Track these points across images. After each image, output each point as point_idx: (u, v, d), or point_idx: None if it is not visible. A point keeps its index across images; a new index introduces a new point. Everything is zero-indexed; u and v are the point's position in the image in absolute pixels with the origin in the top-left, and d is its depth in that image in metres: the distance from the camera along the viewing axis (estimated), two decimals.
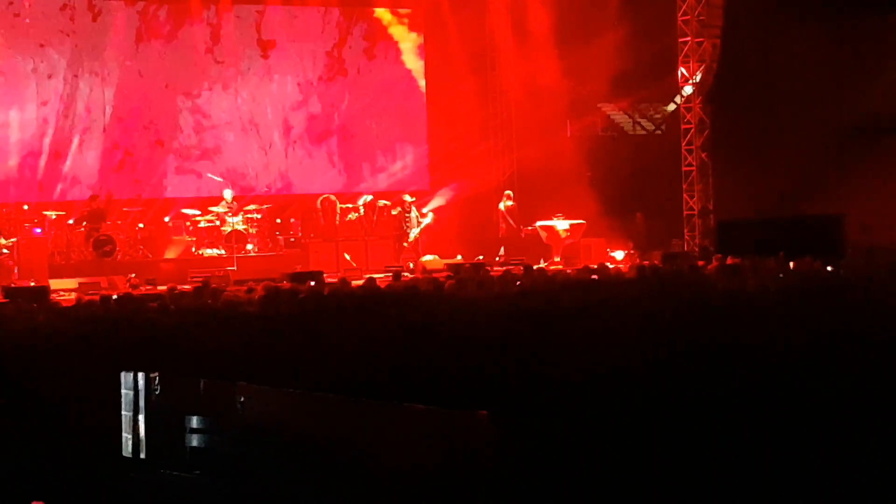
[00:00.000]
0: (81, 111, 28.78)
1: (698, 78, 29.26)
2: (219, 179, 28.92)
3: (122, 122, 29.14)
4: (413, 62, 32.74)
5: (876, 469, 5.86)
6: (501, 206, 30.73)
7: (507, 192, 30.86)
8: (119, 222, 27.72)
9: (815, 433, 6.36)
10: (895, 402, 6.79)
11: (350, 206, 30.01)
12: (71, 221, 27.13)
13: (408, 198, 29.55)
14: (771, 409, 6.75)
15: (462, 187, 31.87)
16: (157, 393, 7.34)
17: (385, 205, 30.05)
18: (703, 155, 29.10)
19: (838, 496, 5.72)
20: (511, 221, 30.41)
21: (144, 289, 23.07)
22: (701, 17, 29.11)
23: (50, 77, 28.59)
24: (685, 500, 5.77)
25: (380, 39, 32.37)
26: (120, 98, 29.15)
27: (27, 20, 28.33)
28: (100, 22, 28.98)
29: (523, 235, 30.34)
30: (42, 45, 28.53)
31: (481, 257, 28.51)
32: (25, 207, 27.49)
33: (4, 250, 25.23)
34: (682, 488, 5.86)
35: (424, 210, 29.90)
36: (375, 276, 21.31)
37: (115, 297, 16.70)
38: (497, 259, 28.93)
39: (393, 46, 32.52)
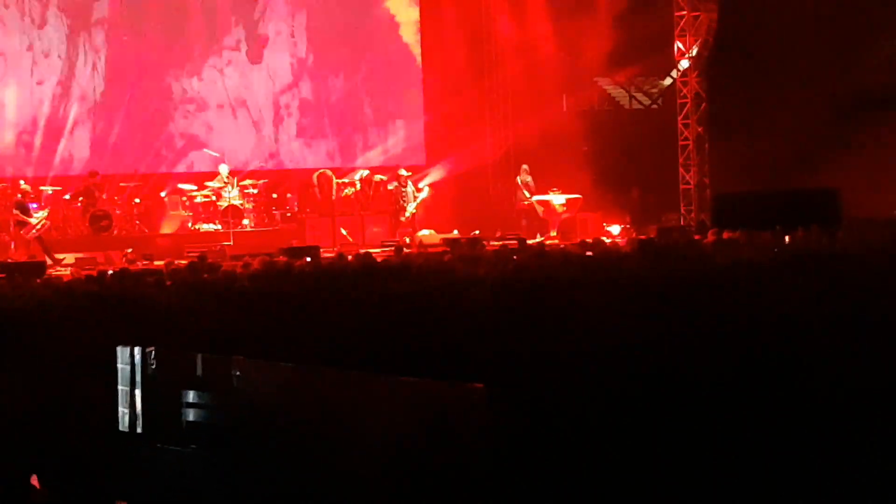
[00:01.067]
0: (76, 89, 28.73)
1: (694, 52, 29.24)
2: (215, 154, 28.87)
3: (116, 99, 29.05)
4: (410, 36, 32.67)
5: (874, 442, 5.88)
6: (519, 179, 30.39)
7: (524, 166, 30.39)
8: (116, 198, 27.72)
9: (812, 408, 6.37)
10: (892, 376, 6.79)
11: (346, 181, 30.00)
12: (67, 196, 27.10)
13: (404, 172, 29.50)
14: (767, 383, 6.76)
15: (458, 162, 31.82)
16: (153, 367, 7.34)
17: (381, 180, 30.03)
18: (700, 129, 29.12)
19: (836, 467, 5.73)
20: (528, 195, 30.07)
21: (141, 264, 23.07)
22: None
23: (46, 56, 28.52)
24: (682, 474, 5.78)
25: (376, 13, 32.30)
26: (114, 75, 29.07)
27: None
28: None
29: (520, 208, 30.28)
30: (38, 24, 28.45)
31: (477, 232, 28.49)
32: (22, 183, 27.46)
33: (46, 221, 25.30)
34: (678, 463, 5.87)
35: (420, 185, 29.85)
36: (372, 250, 21.31)
37: (111, 272, 16.70)
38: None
39: (390, 20, 32.45)
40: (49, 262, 24.01)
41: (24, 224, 25.17)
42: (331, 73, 31.80)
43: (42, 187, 27.20)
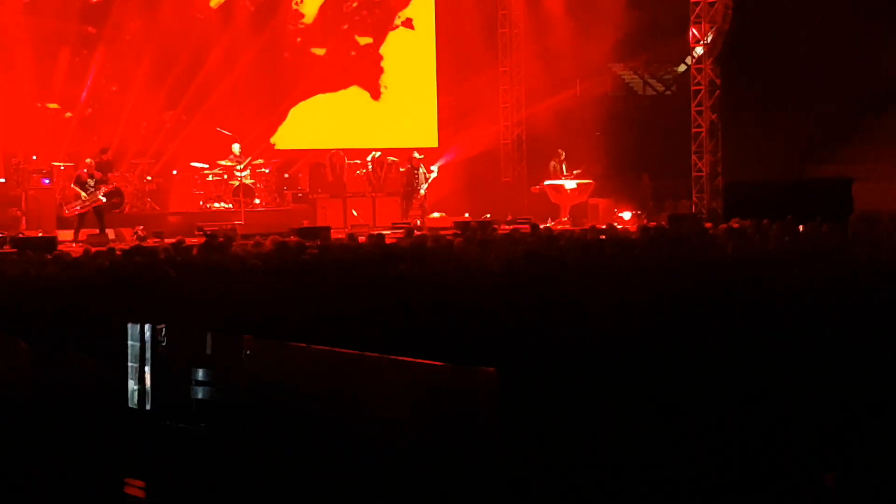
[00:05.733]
0: (94, 73, 28.68)
1: (709, 39, 29.14)
2: (228, 133, 28.83)
3: (133, 84, 28.97)
4: (425, 19, 32.65)
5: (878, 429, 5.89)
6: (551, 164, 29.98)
7: (561, 151, 29.95)
8: (127, 175, 27.73)
9: (818, 392, 6.39)
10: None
11: (358, 161, 29.98)
12: (85, 171, 27.03)
13: (417, 155, 29.45)
14: (773, 370, 6.78)
15: (471, 145, 31.82)
16: (163, 345, 7.35)
17: (393, 161, 30.02)
18: (713, 117, 29.03)
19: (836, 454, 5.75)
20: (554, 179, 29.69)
21: (152, 241, 23.09)
22: None
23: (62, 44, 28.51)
24: (689, 455, 5.80)
25: None
26: (130, 62, 29.02)
27: None
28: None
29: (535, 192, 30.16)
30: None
31: (489, 215, 28.47)
32: (34, 158, 27.48)
33: (101, 195, 25.16)
34: (683, 448, 5.88)
35: (432, 167, 29.81)
36: (384, 232, 21.32)
37: (122, 249, 16.75)
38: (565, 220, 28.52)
39: (404, 2, 32.46)
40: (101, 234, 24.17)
41: (75, 199, 25.05)
42: (345, 52, 31.78)
43: (55, 163, 27.20)
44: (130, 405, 7.44)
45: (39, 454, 7.15)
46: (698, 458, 5.81)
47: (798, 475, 5.63)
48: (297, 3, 31.45)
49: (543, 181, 29.48)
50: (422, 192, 28.84)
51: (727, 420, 6.14)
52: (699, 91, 29.22)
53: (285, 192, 29.48)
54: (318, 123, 31.53)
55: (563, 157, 29.22)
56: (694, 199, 29.25)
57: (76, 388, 7.69)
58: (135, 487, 7.00)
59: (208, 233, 22.06)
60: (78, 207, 24.95)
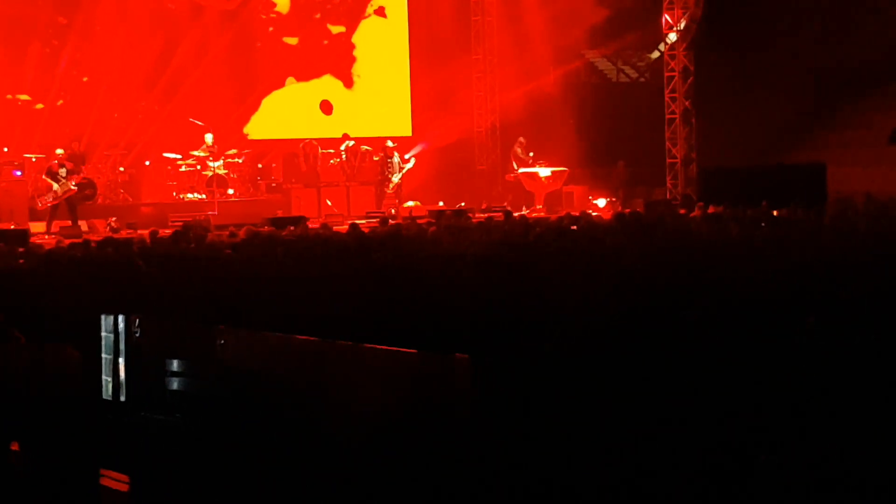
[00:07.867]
0: (65, 63, 28.53)
1: (682, 25, 29.18)
2: (200, 124, 28.71)
3: (104, 74, 28.84)
4: (397, 6, 32.62)
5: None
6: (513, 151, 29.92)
7: (521, 138, 29.76)
8: (99, 166, 27.61)
9: (794, 382, 6.38)
10: (877, 350, 6.80)
11: (331, 151, 29.93)
12: (56, 162, 26.89)
13: (390, 143, 29.42)
14: (749, 357, 6.77)
15: (445, 133, 31.79)
16: (137, 336, 7.32)
17: (367, 150, 29.97)
18: (687, 103, 29.07)
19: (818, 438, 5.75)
20: (517, 167, 29.68)
21: (125, 233, 23.00)
22: None
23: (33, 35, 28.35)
24: (665, 439, 5.80)
25: None
26: (101, 52, 28.88)
27: None
28: None
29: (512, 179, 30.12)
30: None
31: (463, 204, 28.47)
32: (6, 150, 27.34)
33: (73, 185, 25.05)
34: (661, 432, 5.88)
35: (407, 156, 29.79)
36: (358, 221, 21.30)
37: (95, 240, 16.67)
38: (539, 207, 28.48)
39: None
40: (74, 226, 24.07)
41: (47, 191, 24.97)
42: (318, 41, 31.73)
43: (26, 154, 27.06)
44: (104, 397, 7.40)
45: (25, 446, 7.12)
46: (673, 443, 5.80)
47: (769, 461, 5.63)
48: None
49: (515, 169, 29.48)
50: (395, 180, 28.80)
51: (703, 406, 6.14)
52: (672, 77, 29.27)
53: (259, 182, 29.41)
54: (291, 113, 31.47)
55: (523, 143, 29.22)
56: (668, 185, 29.31)
57: (59, 381, 7.66)
58: (111, 479, 6.98)
59: (182, 224, 21.96)
60: (50, 199, 24.86)
